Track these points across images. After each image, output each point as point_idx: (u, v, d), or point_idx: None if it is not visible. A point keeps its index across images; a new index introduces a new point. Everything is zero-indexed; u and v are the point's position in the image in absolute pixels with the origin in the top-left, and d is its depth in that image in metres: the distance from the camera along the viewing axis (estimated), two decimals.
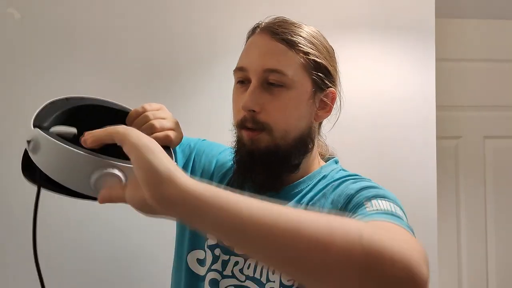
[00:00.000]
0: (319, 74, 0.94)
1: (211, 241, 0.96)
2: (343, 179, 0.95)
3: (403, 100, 1.81)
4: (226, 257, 0.96)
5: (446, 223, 2.23)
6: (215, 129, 1.64)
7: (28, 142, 0.66)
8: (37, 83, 1.66)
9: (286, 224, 0.57)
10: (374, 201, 0.81)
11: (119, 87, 1.69)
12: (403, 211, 0.82)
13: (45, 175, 0.68)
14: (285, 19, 0.98)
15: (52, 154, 0.65)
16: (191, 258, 0.98)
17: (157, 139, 0.80)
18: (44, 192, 0.72)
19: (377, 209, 0.79)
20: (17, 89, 1.66)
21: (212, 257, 0.96)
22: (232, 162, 1.00)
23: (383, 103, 1.80)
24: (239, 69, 0.95)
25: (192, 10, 1.75)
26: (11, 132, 1.62)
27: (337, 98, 1.00)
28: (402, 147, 1.80)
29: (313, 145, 0.99)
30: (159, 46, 1.73)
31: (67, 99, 0.80)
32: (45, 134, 0.67)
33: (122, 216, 1.60)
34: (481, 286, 2.29)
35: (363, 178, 0.94)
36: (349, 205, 0.86)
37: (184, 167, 1.06)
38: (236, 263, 0.94)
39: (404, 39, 1.82)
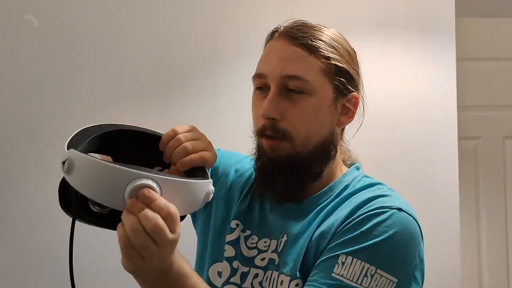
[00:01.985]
0: (340, 79, 0.91)
1: (228, 253, 0.95)
2: (364, 190, 0.92)
3: (424, 101, 1.80)
4: (246, 269, 0.93)
5: (466, 224, 2.20)
6: (233, 132, 1.63)
7: (63, 163, 0.67)
8: (57, 87, 1.68)
9: None
10: (348, 261, 0.80)
11: (137, 90, 1.69)
12: (393, 266, 0.81)
13: (81, 205, 0.71)
14: (305, 23, 0.95)
15: (85, 170, 0.65)
16: (213, 272, 0.96)
17: (192, 161, 0.83)
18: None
19: (342, 276, 0.79)
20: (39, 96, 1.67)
21: (230, 270, 0.93)
22: (251, 170, 0.99)
23: (403, 105, 1.79)
24: (257, 76, 0.93)
25: (212, 11, 1.75)
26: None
27: (360, 103, 0.97)
28: (423, 148, 1.79)
29: (336, 152, 0.95)
30: (177, 48, 1.73)
31: (99, 126, 0.80)
32: (78, 152, 0.67)
33: None
34: (502, 287, 2.26)
35: (382, 195, 0.89)
36: (338, 237, 0.84)
37: None
38: (256, 275, 0.92)
39: (424, 39, 1.80)
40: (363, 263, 0.79)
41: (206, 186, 0.76)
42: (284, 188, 0.92)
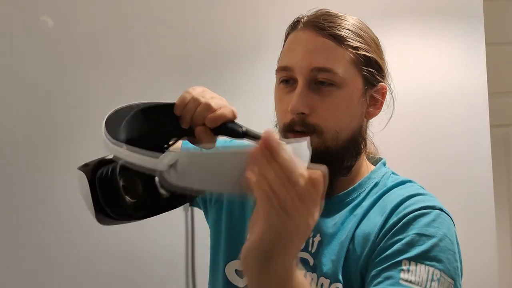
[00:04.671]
0: (370, 69, 0.88)
1: None
2: (397, 187, 0.89)
3: (454, 88, 1.75)
4: None
5: (498, 215, 2.15)
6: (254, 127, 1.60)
7: (171, 165, 0.61)
8: (72, 87, 1.67)
9: None
10: (412, 267, 0.77)
11: (153, 91, 1.67)
12: (452, 267, 0.79)
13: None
14: (329, 12, 0.91)
15: (201, 165, 0.61)
16: (229, 270, 0.93)
17: (223, 115, 0.77)
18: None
19: (411, 282, 0.75)
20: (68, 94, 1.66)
21: None
22: None
23: (432, 93, 1.75)
24: (282, 69, 0.89)
25: (235, 6, 1.73)
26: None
27: (388, 92, 0.94)
28: (453, 138, 1.74)
29: (365, 144, 0.93)
30: (198, 43, 1.71)
31: (120, 109, 0.77)
32: (184, 151, 0.66)
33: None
34: None
35: (418, 193, 0.87)
36: (389, 242, 0.81)
37: None
38: None
39: (452, 25, 1.76)
40: (427, 267, 0.77)
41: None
42: None
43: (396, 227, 0.81)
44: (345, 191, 0.91)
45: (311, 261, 0.87)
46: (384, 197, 0.88)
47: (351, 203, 0.90)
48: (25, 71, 1.67)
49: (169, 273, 1.62)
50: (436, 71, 1.75)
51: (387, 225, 0.82)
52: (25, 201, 1.63)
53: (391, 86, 0.96)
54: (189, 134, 0.81)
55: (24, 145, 1.65)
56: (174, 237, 1.61)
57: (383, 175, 0.94)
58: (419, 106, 1.73)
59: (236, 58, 1.72)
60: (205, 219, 1.05)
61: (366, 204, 0.88)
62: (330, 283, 0.83)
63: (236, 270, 0.93)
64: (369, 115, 0.93)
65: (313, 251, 0.88)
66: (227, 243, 0.96)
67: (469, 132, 1.74)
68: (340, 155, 0.88)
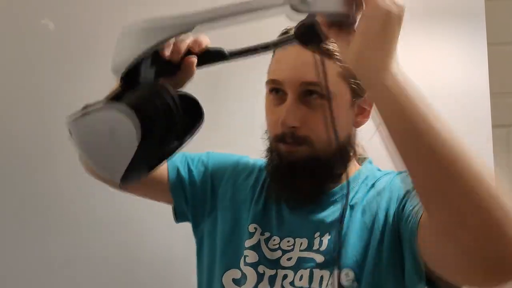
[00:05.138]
0: (357, 81, 0.89)
1: (251, 259, 0.91)
2: (386, 175, 0.94)
3: (455, 88, 1.75)
4: (273, 272, 0.90)
5: None
6: (243, 132, 1.60)
7: None
8: (73, 91, 1.66)
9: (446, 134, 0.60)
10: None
11: None
12: None
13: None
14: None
15: None
16: (227, 279, 0.93)
17: (206, 39, 0.79)
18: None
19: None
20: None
21: (256, 276, 0.90)
22: (258, 171, 1.00)
23: (433, 94, 1.69)
24: (272, 82, 0.91)
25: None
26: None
27: None
28: None
29: (355, 152, 0.96)
30: None
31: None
32: None
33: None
34: None
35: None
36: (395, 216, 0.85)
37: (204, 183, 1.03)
38: (285, 276, 0.89)
39: (453, 25, 1.76)
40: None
41: None
42: (307, 192, 0.92)
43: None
44: (334, 189, 0.93)
45: (321, 259, 0.87)
46: (376, 184, 0.92)
47: (343, 197, 0.91)
48: (25, 71, 1.67)
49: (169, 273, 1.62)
50: (438, 71, 1.75)
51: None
52: (25, 200, 1.63)
53: None
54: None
55: (24, 145, 1.66)
56: (173, 237, 1.62)
57: (371, 170, 0.97)
58: None
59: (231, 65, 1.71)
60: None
61: (361, 194, 0.91)
62: (356, 274, 0.84)
63: (233, 279, 0.92)
64: (358, 124, 0.95)
65: (322, 249, 0.88)
66: (223, 253, 0.96)
67: (470, 132, 1.72)
68: (330, 164, 0.90)
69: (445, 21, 1.76)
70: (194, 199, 1.02)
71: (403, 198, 0.85)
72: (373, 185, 0.93)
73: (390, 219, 0.85)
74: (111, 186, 0.95)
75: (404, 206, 0.83)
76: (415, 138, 0.62)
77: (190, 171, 1.03)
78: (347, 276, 0.84)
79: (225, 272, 0.93)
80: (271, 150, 0.93)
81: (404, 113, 0.62)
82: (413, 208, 0.79)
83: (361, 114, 0.94)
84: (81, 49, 1.68)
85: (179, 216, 1.06)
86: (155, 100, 0.68)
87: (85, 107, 0.70)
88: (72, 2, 1.70)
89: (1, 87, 1.67)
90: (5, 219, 1.62)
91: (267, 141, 0.95)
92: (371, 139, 0.97)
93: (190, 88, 0.83)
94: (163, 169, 1.01)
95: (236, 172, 1.04)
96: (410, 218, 0.79)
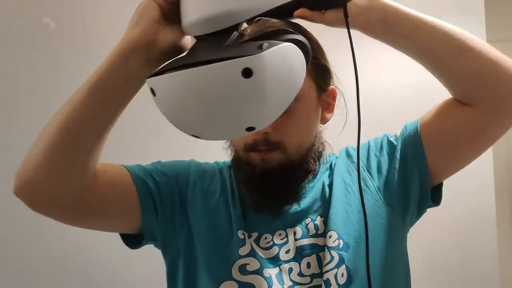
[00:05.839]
0: (320, 76, 0.89)
1: (253, 266, 0.87)
2: (350, 150, 0.99)
3: None
4: (276, 270, 0.87)
5: (498, 212, 2.15)
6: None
7: None
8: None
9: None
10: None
11: None
12: None
13: None
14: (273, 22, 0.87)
15: None
16: None
17: None
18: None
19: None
20: None
21: (266, 282, 0.85)
22: (218, 176, 0.96)
23: (432, 92, 1.69)
24: None
25: None
26: None
27: (339, 94, 0.95)
28: None
29: (324, 147, 0.96)
30: None
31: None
32: None
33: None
34: None
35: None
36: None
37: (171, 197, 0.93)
38: (290, 269, 0.86)
39: (453, 22, 1.71)
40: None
41: None
42: (286, 195, 0.90)
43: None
44: (312, 181, 0.94)
45: (323, 242, 0.88)
46: (343, 164, 0.96)
47: (317, 182, 0.94)
48: (25, 71, 1.68)
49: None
50: None
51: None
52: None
53: (339, 88, 0.96)
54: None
55: (24, 146, 1.65)
56: None
57: (332, 157, 0.99)
58: (419, 106, 1.71)
59: None
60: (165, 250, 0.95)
61: (332, 178, 0.94)
62: (338, 239, 0.87)
63: None
64: (324, 120, 0.94)
65: (319, 232, 0.89)
66: (210, 266, 0.89)
67: None
68: (303, 164, 0.90)
69: (444, 18, 1.74)
70: (164, 213, 0.91)
71: (388, 140, 0.96)
72: (341, 165, 0.96)
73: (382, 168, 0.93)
74: (58, 220, 0.89)
75: (396, 141, 0.95)
76: (441, 33, 0.90)
77: (156, 182, 0.92)
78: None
79: (219, 286, 0.86)
80: (238, 160, 0.90)
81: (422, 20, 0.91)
82: (404, 132, 0.96)
83: (326, 110, 0.94)
84: (81, 49, 1.69)
85: (146, 237, 0.92)
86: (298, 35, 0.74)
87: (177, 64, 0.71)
88: (72, 2, 1.71)
89: (1, 87, 1.67)
90: (4, 218, 1.63)
91: (231, 151, 0.92)
92: (339, 136, 1.01)
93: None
94: (127, 186, 0.89)
95: (197, 176, 0.96)
96: (409, 134, 0.94)
